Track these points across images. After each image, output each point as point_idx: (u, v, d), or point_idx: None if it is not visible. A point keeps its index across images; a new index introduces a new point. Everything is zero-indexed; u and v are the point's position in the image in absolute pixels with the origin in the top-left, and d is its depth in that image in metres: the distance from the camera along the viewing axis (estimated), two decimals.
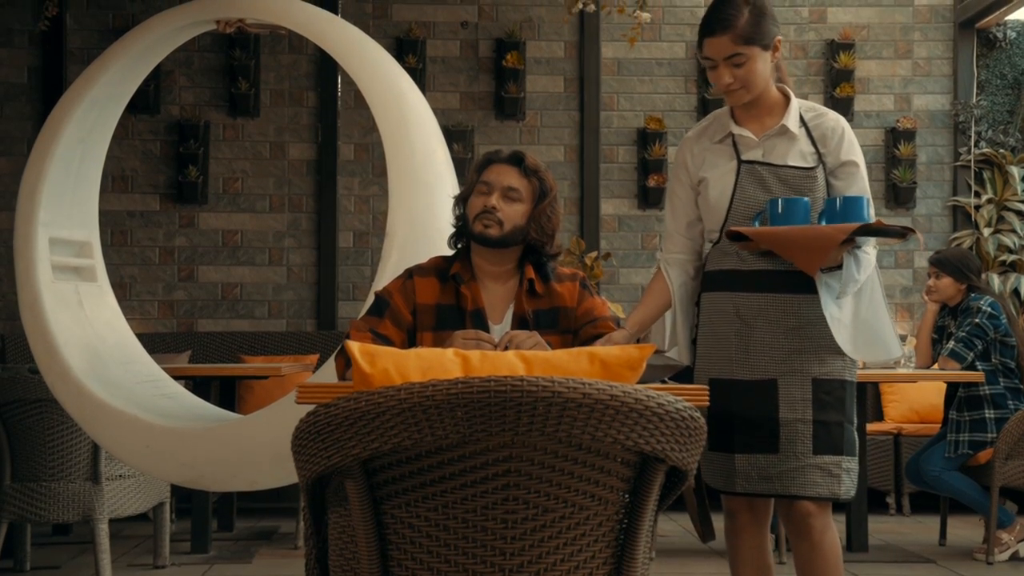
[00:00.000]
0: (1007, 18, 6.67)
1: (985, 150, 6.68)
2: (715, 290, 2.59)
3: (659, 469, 1.72)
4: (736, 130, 2.59)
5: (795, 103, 2.61)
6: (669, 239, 2.68)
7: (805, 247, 2.36)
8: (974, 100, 6.66)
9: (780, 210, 2.46)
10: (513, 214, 2.58)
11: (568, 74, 6.71)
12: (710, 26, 2.51)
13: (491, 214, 2.55)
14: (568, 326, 2.62)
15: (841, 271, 2.47)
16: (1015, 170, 6.59)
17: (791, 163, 2.56)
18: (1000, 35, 6.76)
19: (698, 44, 2.55)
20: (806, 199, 2.48)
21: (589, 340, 2.58)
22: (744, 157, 2.56)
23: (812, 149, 2.57)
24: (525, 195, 2.60)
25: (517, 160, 2.62)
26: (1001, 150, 6.66)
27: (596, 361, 1.72)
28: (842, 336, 2.46)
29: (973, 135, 6.67)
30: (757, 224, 2.50)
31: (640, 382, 2.01)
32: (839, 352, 2.50)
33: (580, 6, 5.63)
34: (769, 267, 2.53)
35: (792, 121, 2.58)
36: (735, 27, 2.48)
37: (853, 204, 2.45)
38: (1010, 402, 4.47)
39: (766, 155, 2.57)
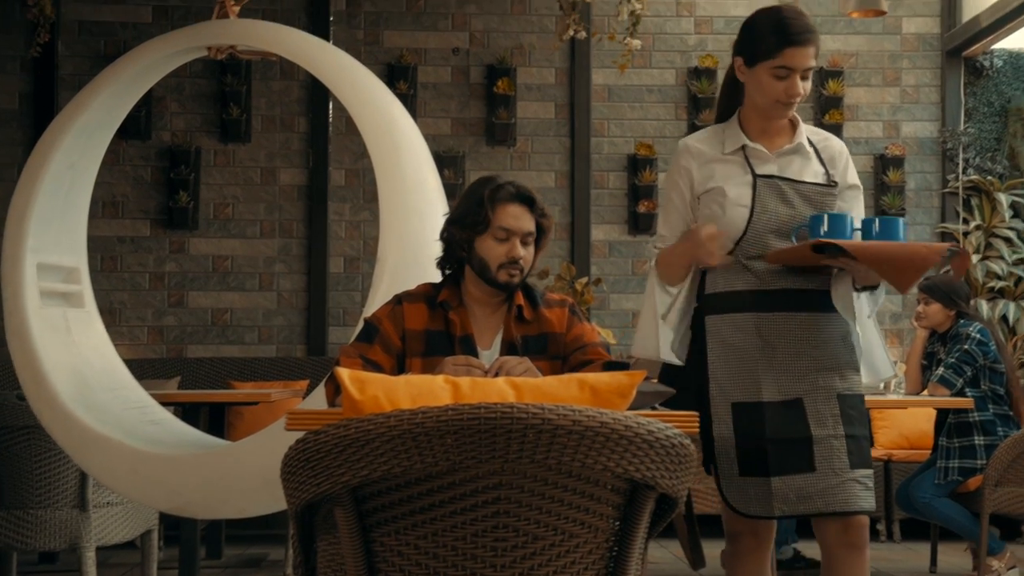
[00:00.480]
0: (993, 47, 6.72)
1: (973, 177, 6.71)
2: (731, 311, 2.54)
3: (649, 496, 1.71)
4: (751, 143, 2.59)
5: (802, 125, 2.64)
6: (662, 242, 2.67)
7: (904, 266, 2.36)
8: (962, 128, 6.70)
9: (878, 228, 2.44)
10: (530, 258, 2.62)
11: (559, 100, 6.74)
12: (800, 35, 2.49)
13: (516, 264, 2.57)
14: (557, 352, 2.61)
15: (876, 291, 2.55)
16: (1003, 197, 6.63)
17: (808, 180, 2.58)
18: (987, 63, 6.81)
19: (769, 52, 2.49)
20: (903, 218, 2.54)
21: (578, 366, 2.57)
22: (760, 171, 2.56)
23: (823, 169, 2.61)
24: (536, 236, 2.63)
25: (530, 201, 2.61)
26: (989, 177, 6.70)
27: (586, 388, 1.72)
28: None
29: (961, 162, 6.70)
30: (795, 239, 2.49)
31: (630, 409, 2.01)
32: (856, 368, 2.56)
33: (571, 33, 5.66)
34: (790, 286, 2.53)
35: (806, 140, 2.62)
36: (817, 42, 2.52)
37: (891, 225, 2.45)
38: (999, 429, 4.47)
39: (782, 170, 2.58)
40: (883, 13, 5.83)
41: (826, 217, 2.46)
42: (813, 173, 2.60)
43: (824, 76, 6.68)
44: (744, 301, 2.54)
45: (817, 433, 2.47)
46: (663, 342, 2.58)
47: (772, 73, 2.50)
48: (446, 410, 1.55)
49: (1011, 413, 4.55)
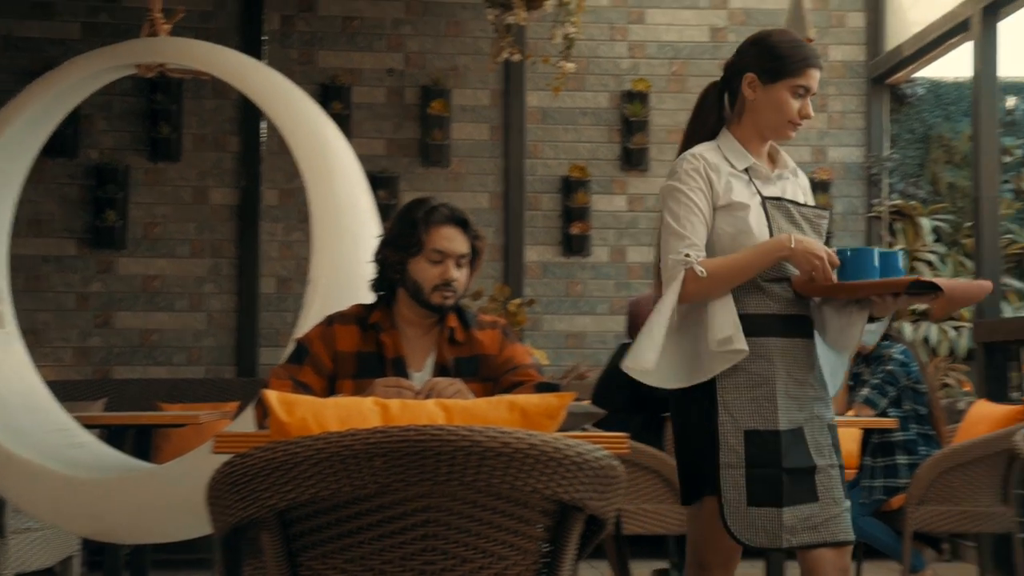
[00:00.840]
0: (916, 75, 6.90)
1: (897, 201, 6.87)
2: (751, 335, 2.42)
3: (578, 518, 1.72)
4: (757, 163, 2.54)
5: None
6: (693, 249, 2.43)
7: (973, 299, 2.47)
8: (886, 153, 6.86)
9: (878, 260, 2.43)
10: (464, 279, 2.62)
11: (493, 122, 6.77)
12: (817, 58, 2.52)
13: (450, 286, 2.57)
14: (489, 374, 2.62)
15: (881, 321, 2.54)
16: (925, 221, 6.79)
17: (806, 203, 2.59)
18: (910, 91, 6.99)
19: (794, 70, 2.48)
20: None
21: (510, 388, 2.58)
22: (765, 192, 2.52)
23: (805, 193, 2.63)
24: (470, 258, 2.63)
25: (463, 223, 2.61)
26: (912, 201, 6.86)
27: (516, 410, 1.72)
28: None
29: (886, 187, 6.86)
30: (836, 274, 2.43)
31: (561, 430, 2.02)
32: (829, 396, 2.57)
33: (505, 55, 5.69)
34: (802, 312, 2.50)
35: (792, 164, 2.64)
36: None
37: (892, 259, 2.47)
38: (921, 448, 4.56)
39: (783, 192, 2.57)
40: (811, 40, 5.95)
41: (877, 253, 2.44)
42: (804, 196, 2.61)
43: None
44: (766, 325, 2.46)
45: (819, 463, 2.45)
46: (656, 354, 2.42)
47: (792, 91, 2.48)
48: (375, 432, 1.55)
49: (933, 433, 4.64)
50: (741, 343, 2.37)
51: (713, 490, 2.44)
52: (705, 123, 2.58)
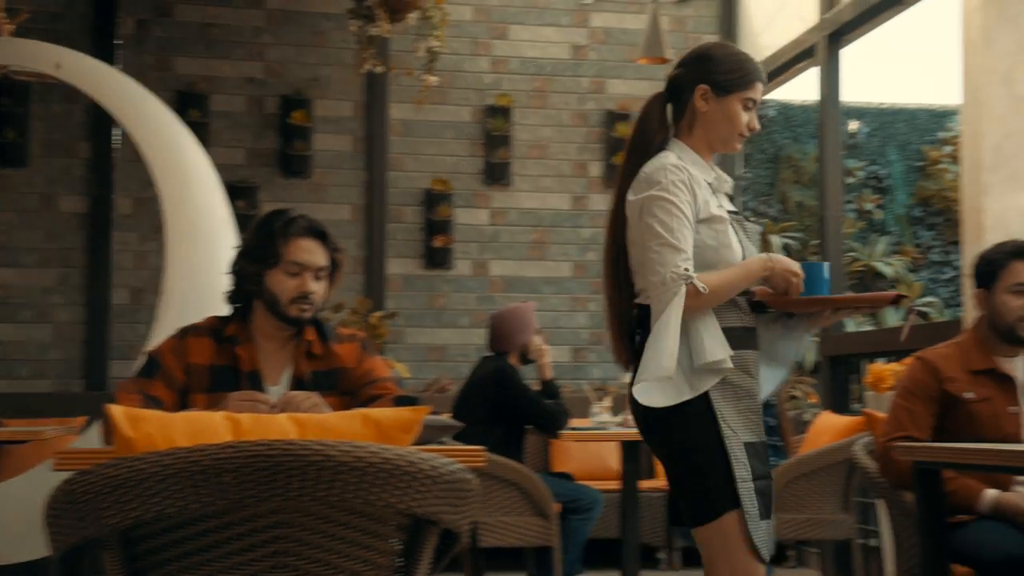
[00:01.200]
0: (767, 97, 7.15)
1: (750, 219, 7.10)
2: (733, 348, 2.41)
3: (432, 532, 1.72)
4: (718, 176, 2.52)
5: None
6: (689, 263, 2.36)
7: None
8: (739, 172, 7.08)
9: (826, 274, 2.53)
10: (322, 292, 2.59)
11: (356, 133, 6.72)
12: (762, 73, 2.53)
13: (308, 298, 2.54)
14: (348, 387, 2.60)
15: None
16: (776, 239, 7.04)
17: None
18: (762, 113, 7.24)
19: (745, 82, 2.49)
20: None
21: (368, 401, 2.57)
22: (725, 206, 2.52)
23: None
24: (328, 271, 2.60)
25: (322, 235, 2.59)
26: (763, 219, 7.10)
27: (370, 423, 1.72)
28: None
29: (739, 205, 7.08)
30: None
31: (418, 443, 2.01)
32: None
33: (368, 67, 5.67)
34: (755, 324, 2.51)
35: None
36: None
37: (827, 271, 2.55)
38: (771, 459, 4.71)
39: (730, 206, 2.57)
40: (667, 60, 6.11)
41: (827, 267, 2.51)
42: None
43: (614, 119, 6.94)
44: (744, 338, 2.46)
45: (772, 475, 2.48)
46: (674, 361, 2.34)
47: (743, 104, 2.49)
48: (225, 447, 1.52)
49: (781, 444, 4.80)
50: (730, 361, 2.38)
51: (731, 505, 2.35)
52: (652, 135, 2.53)
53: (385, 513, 1.68)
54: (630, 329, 2.52)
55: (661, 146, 2.51)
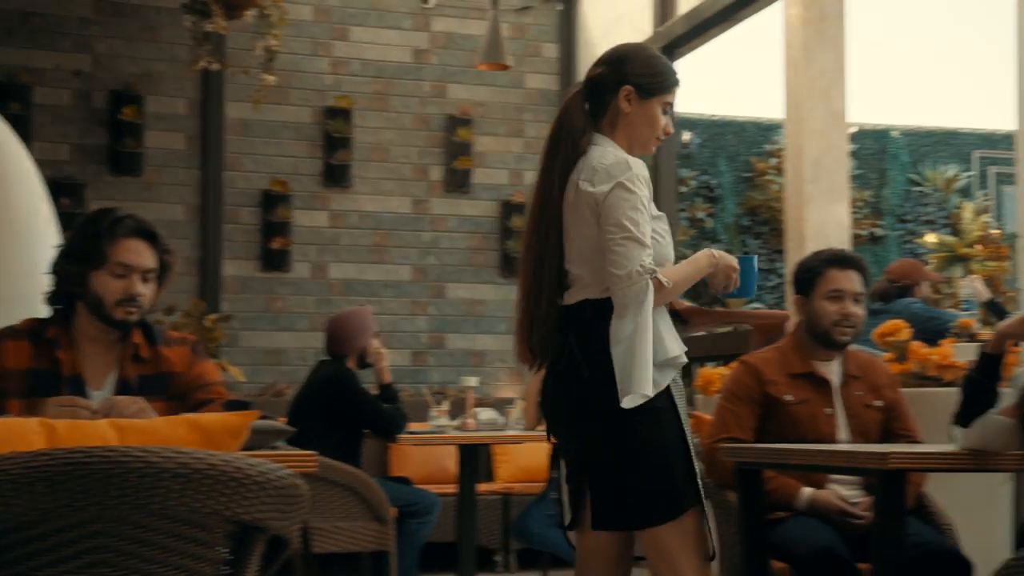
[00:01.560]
0: None
1: None
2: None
3: (259, 539, 1.70)
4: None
5: None
6: (650, 257, 2.36)
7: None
8: None
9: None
10: (150, 295, 2.52)
11: (190, 131, 6.54)
12: (678, 79, 2.55)
13: (135, 301, 2.46)
14: (178, 392, 2.54)
15: None
16: None
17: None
18: None
19: (667, 87, 2.53)
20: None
21: (198, 406, 2.51)
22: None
23: None
24: (157, 273, 2.53)
25: (151, 236, 2.51)
26: None
27: (195, 429, 1.68)
28: None
29: None
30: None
31: (247, 448, 1.98)
32: None
33: (204, 64, 5.53)
34: None
35: None
36: None
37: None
38: None
39: None
40: (507, 67, 6.18)
41: (755, 260, 2.59)
42: None
43: (455, 123, 6.96)
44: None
45: None
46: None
47: (663, 108, 2.52)
48: (37, 455, 1.46)
49: None
50: (684, 356, 2.39)
51: (695, 501, 2.39)
52: (578, 130, 2.50)
53: (211, 521, 1.64)
54: (544, 326, 2.47)
55: (589, 141, 2.49)
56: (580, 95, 2.56)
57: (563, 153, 2.49)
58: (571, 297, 2.48)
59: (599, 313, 2.38)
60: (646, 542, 2.43)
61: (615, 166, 2.41)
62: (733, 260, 2.53)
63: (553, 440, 2.63)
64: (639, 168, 2.42)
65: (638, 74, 2.51)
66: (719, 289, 2.52)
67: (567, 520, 2.58)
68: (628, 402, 2.30)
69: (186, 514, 1.60)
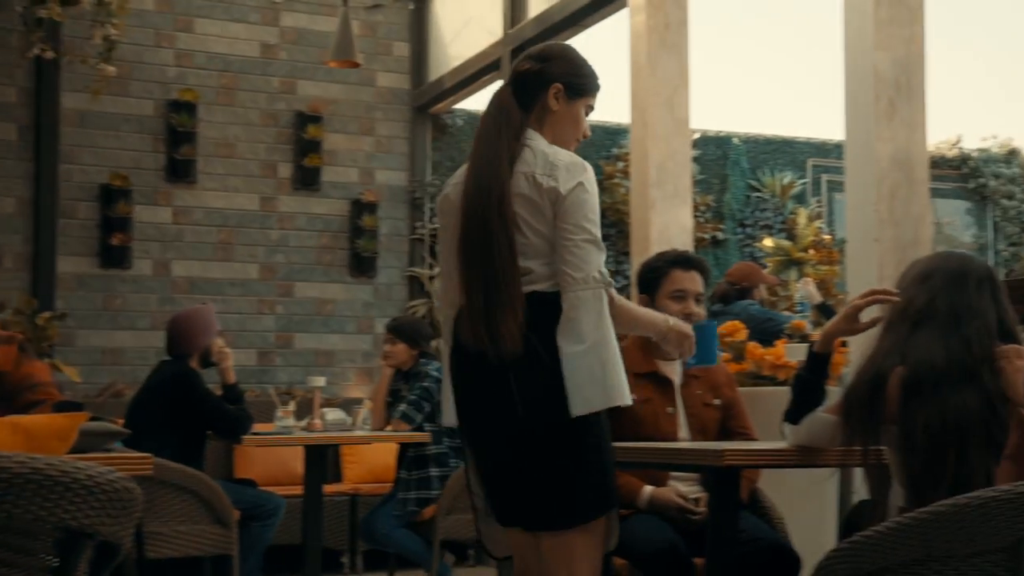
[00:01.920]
0: (456, 107, 7.33)
1: (438, 225, 7.22)
2: None
3: (87, 545, 1.63)
4: None
5: None
6: (603, 265, 2.36)
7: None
8: (428, 179, 7.21)
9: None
10: None
11: (22, 121, 6.25)
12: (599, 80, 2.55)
13: None
14: (4, 393, 2.43)
15: None
16: None
17: None
18: (451, 121, 7.41)
19: (591, 89, 2.54)
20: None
21: (26, 407, 2.40)
22: None
23: None
24: None
25: None
26: None
27: (19, 431, 1.60)
28: None
29: (428, 211, 7.20)
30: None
31: (78, 451, 1.90)
32: None
33: (36, 51, 5.30)
34: None
35: None
36: None
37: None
38: (452, 460, 4.81)
39: None
40: (357, 65, 6.12)
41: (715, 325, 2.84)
42: None
43: (304, 120, 6.86)
44: None
45: None
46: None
47: (586, 109, 2.53)
48: None
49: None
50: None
51: (613, 503, 2.40)
52: (515, 122, 2.44)
53: (35, 527, 1.57)
54: (514, 313, 2.33)
55: (527, 135, 2.45)
56: (510, 89, 2.52)
57: (503, 143, 2.42)
58: (537, 288, 2.39)
59: (548, 308, 2.34)
60: (550, 544, 2.38)
61: (574, 165, 2.39)
62: (687, 328, 2.64)
63: (465, 434, 2.56)
64: (591, 172, 2.42)
65: (567, 73, 2.52)
66: (674, 356, 2.63)
67: (482, 519, 2.55)
68: (582, 407, 2.29)
69: (6, 521, 1.52)
